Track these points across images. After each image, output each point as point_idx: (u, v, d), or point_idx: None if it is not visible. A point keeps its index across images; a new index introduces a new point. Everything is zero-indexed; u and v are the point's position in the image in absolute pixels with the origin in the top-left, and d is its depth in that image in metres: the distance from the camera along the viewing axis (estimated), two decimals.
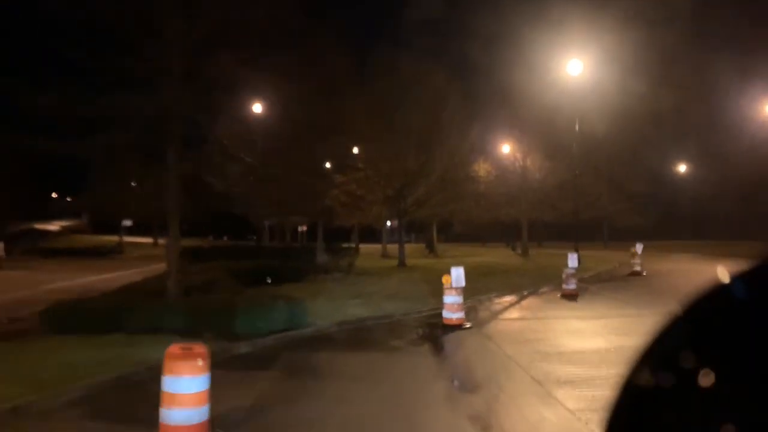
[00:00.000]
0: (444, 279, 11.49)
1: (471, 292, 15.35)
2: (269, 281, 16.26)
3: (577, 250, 23.60)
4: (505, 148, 37.00)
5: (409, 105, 23.62)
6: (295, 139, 21.23)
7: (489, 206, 36.11)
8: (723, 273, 0.61)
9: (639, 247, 21.21)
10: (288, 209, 22.17)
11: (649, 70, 37.48)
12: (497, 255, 35.06)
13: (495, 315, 12.95)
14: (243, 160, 23.10)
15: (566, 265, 16.44)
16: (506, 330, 11.09)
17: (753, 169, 35.03)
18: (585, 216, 43.71)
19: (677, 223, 51.72)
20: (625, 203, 43.71)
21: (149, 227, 54.26)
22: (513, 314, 13.22)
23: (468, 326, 11.20)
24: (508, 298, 15.64)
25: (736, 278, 0.60)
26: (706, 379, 0.55)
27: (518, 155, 35.97)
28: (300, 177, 20.86)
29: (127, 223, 49.43)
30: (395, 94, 23.69)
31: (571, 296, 15.50)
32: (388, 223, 39.45)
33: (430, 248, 39.31)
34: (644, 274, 20.90)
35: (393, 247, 36.59)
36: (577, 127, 27.80)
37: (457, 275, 11.49)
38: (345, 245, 24.11)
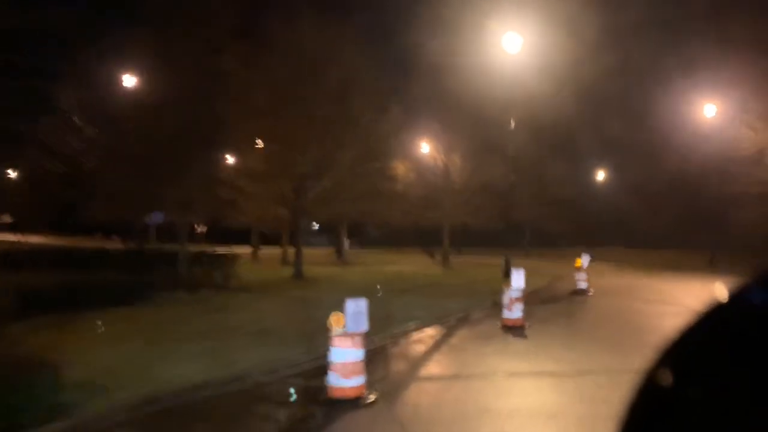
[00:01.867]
0: (333, 319, 6.84)
1: (382, 321, 10.95)
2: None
3: (508, 262, 19.79)
4: (428, 146, 33.13)
5: (312, 79, 18.90)
6: (165, 117, 16.03)
7: (408, 208, 31.92)
8: (721, 291, 0.62)
9: (585, 260, 17.54)
10: (148, 201, 16.78)
11: (590, 63, 34.75)
12: (415, 263, 30.93)
13: (413, 369, 8.40)
14: (94, 135, 17.57)
15: (507, 284, 12.23)
16: (430, 407, 6.59)
17: (683, 177, 32.96)
18: (509, 221, 40.64)
19: (603, 229, 49.96)
20: (549, 208, 40.97)
21: None
22: (439, 367, 8.72)
23: (371, 400, 6.61)
24: (432, 332, 11.24)
25: (753, 284, 0.60)
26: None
27: (440, 153, 32.18)
28: (169, 163, 15.65)
29: None
30: (294, 64, 18.90)
31: (516, 329, 11.34)
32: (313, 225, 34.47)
33: (340, 254, 34.62)
34: (591, 293, 17.25)
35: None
36: (512, 124, 24.19)
37: (354, 313, 6.89)
38: (222, 251, 18.82)
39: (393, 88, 24.20)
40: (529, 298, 16.70)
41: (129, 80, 18.13)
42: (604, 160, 48.97)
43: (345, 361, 6.65)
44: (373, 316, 12.28)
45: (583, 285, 17.40)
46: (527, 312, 11.90)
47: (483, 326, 11.99)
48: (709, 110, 29.55)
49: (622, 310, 13.94)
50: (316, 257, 32.87)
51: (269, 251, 35.68)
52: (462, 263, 30.67)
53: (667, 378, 0.61)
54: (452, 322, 12.38)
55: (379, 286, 15.54)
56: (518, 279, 12.01)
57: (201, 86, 16.20)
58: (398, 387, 7.34)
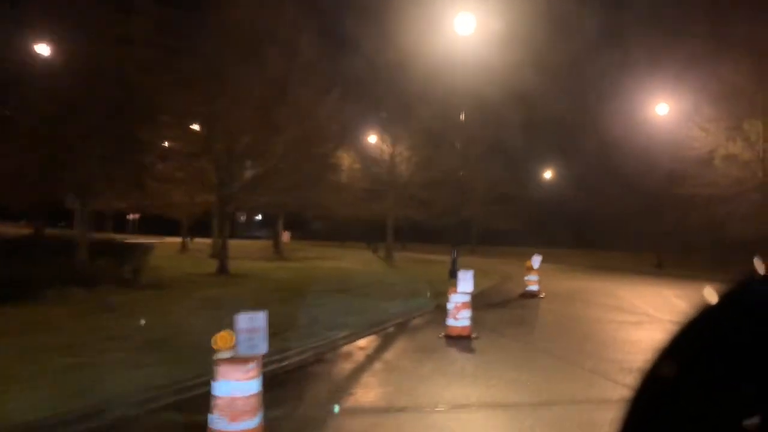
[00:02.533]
0: (219, 339, 5.01)
1: (306, 329, 9.28)
2: None
3: (455, 262, 18.33)
4: (375, 136, 31.44)
5: (246, 54, 16.87)
6: (60, 86, 13.69)
7: (351, 200, 30.15)
8: (710, 294, 0.65)
9: (536, 261, 16.21)
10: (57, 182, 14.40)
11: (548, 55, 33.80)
12: (356, 258, 29.20)
13: (333, 398, 6.59)
14: None
15: (453, 285, 10.62)
16: None
17: (634, 177, 32.42)
18: (458, 216, 39.46)
19: (553, 229, 49.43)
20: (498, 205, 39.99)
21: None
22: (366, 395, 6.90)
23: None
24: (364, 343, 9.52)
25: (755, 279, 0.63)
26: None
27: (387, 144, 30.57)
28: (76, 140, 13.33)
29: None
30: (226, 36, 16.81)
31: (461, 340, 9.77)
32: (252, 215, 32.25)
33: (277, 248, 32.51)
34: (543, 295, 15.94)
35: (238, 244, 29.56)
36: (462, 117, 22.76)
37: (248, 330, 5.10)
38: (137, 240, 16.56)
39: (335, 70, 22.32)
40: (477, 300, 15.24)
41: (26, 42, 15.61)
42: (555, 158, 48.50)
43: (232, 396, 4.84)
44: (297, 322, 10.49)
45: (534, 287, 16.07)
46: (474, 319, 10.37)
47: (424, 335, 10.36)
48: (661, 109, 28.99)
49: (579, 319, 12.60)
50: (253, 251, 30.71)
51: (205, 243, 33.24)
52: (407, 260, 29.17)
53: (670, 369, 0.62)
54: (389, 330, 10.71)
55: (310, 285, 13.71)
56: (466, 282, 10.44)
57: (107, 52, 13.91)
58: (309, 427, 5.58)
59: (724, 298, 0.63)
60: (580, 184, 44.59)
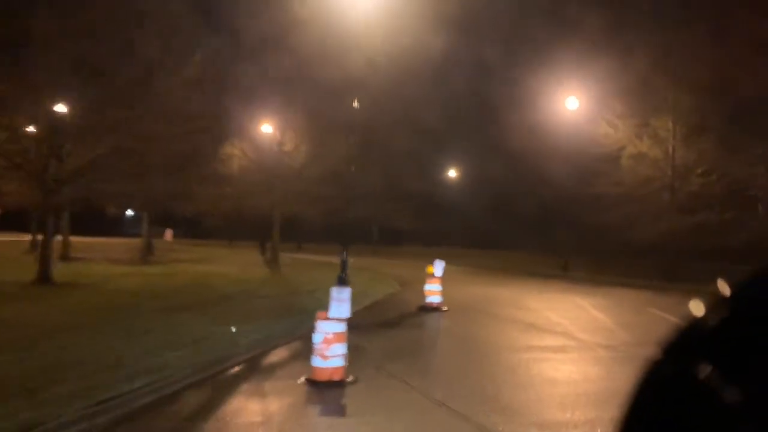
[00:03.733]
0: None
1: (102, 374, 6.00)
2: None
3: (344, 270, 15.26)
4: (263, 124, 27.79)
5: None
6: None
7: (233, 193, 26.41)
8: (697, 306, 0.65)
9: (438, 267, 13.46)
10: None
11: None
12: (239, 261, 25.50)
13: None
14: None
15: (324, 306, 7.52)
16: None
17: (542, 176, 30.89)
18: (354, 214, 36.57)
19: (457, 229, 47.86)
20: (400, 202, 37.49)
21: None
22: None
23: None
24: (174, 406, 6.17)
25: (759, 279, 0.63)
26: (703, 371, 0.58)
27: (275, 132, 27.07)
28: None
29: None
30: None
31: (330, 388, 6.71)
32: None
33: (148, 248, 27.99)
34: (446, 309, 13.20)
35: (106, 243, 24.94)
36: (355, 104, 19.86)
37: None
38: None
39: (202, 32, 18.65)
40: (366, 315, 12.28)
41: None
42: (462, 154, 46.75)
43: None
44: (86, 364, 6.99)
45: (435, 299, 13.28)
46: (356, 347, 7.37)
47: (279, 382, 7.15)
48: (571, 103, 27.46)
49: (491, 345, 9.86)
50: (120, 251, 26.31)
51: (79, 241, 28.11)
52: (298, 262, 25.83)
53: (671, 369, 0.63)
54: (231, 372, 7.44)
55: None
56: (340, 306, 7.40)
57: None
58: None
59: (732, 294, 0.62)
60: (488, 182, 43.08)
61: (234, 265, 23.12)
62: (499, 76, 40.20)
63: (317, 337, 7.09)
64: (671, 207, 24.80)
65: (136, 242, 36.16)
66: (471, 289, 18.25)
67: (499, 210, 46.54)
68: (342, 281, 15.03)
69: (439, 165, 48.03)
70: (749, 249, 24.51)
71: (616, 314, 13.54)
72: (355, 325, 9.01)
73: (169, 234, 48.37)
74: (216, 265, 22.62)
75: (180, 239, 50.72)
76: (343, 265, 15.93)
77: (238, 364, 7.79)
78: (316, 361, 7.01)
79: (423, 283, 13.74)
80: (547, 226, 34.60)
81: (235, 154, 25.78)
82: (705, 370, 0.59)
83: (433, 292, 13.31)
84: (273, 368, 7.92)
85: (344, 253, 15.87)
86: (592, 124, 26.32)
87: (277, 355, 8.55)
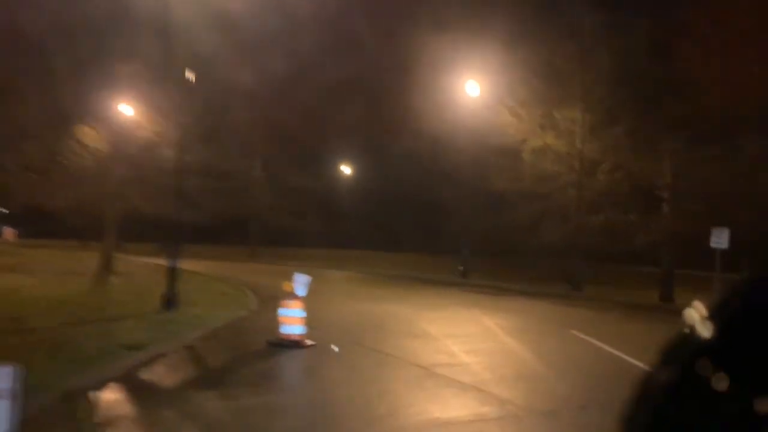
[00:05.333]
0: None
1: None
2: None
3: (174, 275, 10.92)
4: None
5: None
6: None
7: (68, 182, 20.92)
8: (691, 315, 0.67)
9: (300, 284, 9.49)
10: None
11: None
12: (63, 268, 20.17)
13: None
14: None
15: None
16: None
17: (439, 172, 27.86)
18: (231, 212, 31.91)
19: (354, 228, 44.27)
20: (282, 199, 33.19)
21: None
22: None
23: None
24: None
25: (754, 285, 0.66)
26: (722, 383, 0.58)
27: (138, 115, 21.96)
28: None
29: None
30: None
31: None
32: None
33: None
34: (309, 344, 9.23)
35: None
36: (191, 77, 15.60)
37: None
38: None
39: None
40: (184, 358, 8.15)
41: None
42: (358, 148, 43.06)
43: None
44: None
45: (295, 329, 9.27)
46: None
47: None
48: (471, 89, 24.51)
49: (372, 426, 5.98)
50: None
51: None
52: (148, 270, 20.82)
53: (669, 375, 0.64)
54: None
55: None
56: None
57: None
58: None
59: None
60: (385, 179, 39.81)
61: (50, 274, 17.85)
62: (391, 61, 36.66)
63: None
64: (579, 206, 22.46)
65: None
66: (357, 307, 14.45)
67: (397, 209, 43.54)
68: (171, 303, 10.75)
69: (330, 160, 44.18)
70: (654, 252, 22.82)
71: (535, 342, 10.26)
72: (146, 386, 5.00)
73: (9, 233, 40.92)
74: (24, 274, 17.29)
75: (33, 239, 42.79)
76: (171, 277, 11.54)
77: None
78: None
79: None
80: (447, 226, 31.76)
81: (80, 138, 20.23)
82: (721, 380, 0.57)
83: (291, 320, 9.31)
84: None
85: (173, 261, 11.49)
86: (495, 112, 23.49)
87: None
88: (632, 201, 22.44)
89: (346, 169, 46.13)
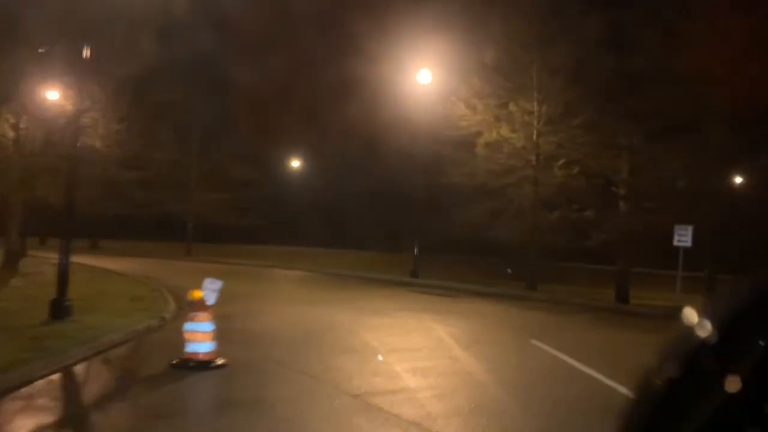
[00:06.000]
0: None
1: None
2: None
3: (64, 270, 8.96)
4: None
5: None
6: None
7: None
8: (690, 314, 0.66)
9: (210, 290, 7.71)
10: None
11: None
12: None
13: None
14: None
15: None
16: None
17: (398, 166, 26.35)
18: (165, 207, 29.71)
19: (298, 224, 42.47)
20: (221, 194, 31.06)
21: None
22: None
23: None
24: None
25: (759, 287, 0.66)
26: (733, 384, 0.59)
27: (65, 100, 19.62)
28: None
29: None
30: None
31: None
32: None
33: None
34: (220, 362, 7.51)
35: None
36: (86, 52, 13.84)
37: None
38: None
39: None
40: (61, 387, 6.34)
41: None
42: (306, 140, 41.13)
43: None
44: None
45: (203, 347, 7.53)
46: None
47: None
48: (423, 77, 23.04)
49: None
50: None
51: None
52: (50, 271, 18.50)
53: (669, 375, 0.64)
54: None
55: None
56: None
57: None
58: None
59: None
60: (335, 173, 38.14)
61: None
62: (334, 53, 34.84)
63: None
64: (535, 202, 21.33)
65: None
66: (293, 312, 12.77)
67: (354, 205, 41.93)
68: (57, 310, 8.83)
69: (278, 154, 42.17)
70: (609, 251, 21.95)
71: (494, 357, 8.85)
72: None
73: None
74: None
75: None
76: (61, 280, 9.59)
77: None
78: None
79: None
80: (397, 223, 30.35)
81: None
82: (733, 382, 0.57)
83: (198, 336, 7.56)
84: None
85: (63, 259, 9.55)
86: (449, 103, 22.09)
87: None
88: (590, 197, 21.47)
89: (295, 164, 44.23)
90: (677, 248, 16.14)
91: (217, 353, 7.61)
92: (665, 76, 17.77)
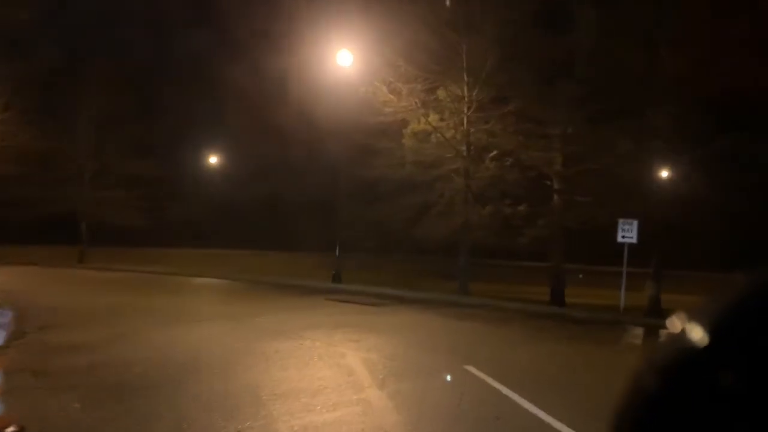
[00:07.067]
0: None
1: None
2: None
3: None
4: None
5: None
6: None
7: None
8: (675, 323, 0.64)
9: None
10: None
11: None
12: None
13: None
14: None
15: None
16: None
17: (314, 161, 23.94)
18: (55, 207, 26.19)
19: (210, 225, 39.45)
20: (114, 191, 27.68)
21: None
22: None
23: None
24: None
25: (752, 290, 0.63)
26: (738, 386, 0.57)
27: None
28: None
29: None
30: None
31: None
32: None
33: None
34: (10, 431, 5.01)
35: None
36: None
37: None
38: None
39: None
40: None
41: None
42: (216, 134, 38.06)
43: None
44: None
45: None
46: None
47: None
48: (343, 59, 20.74)
49: None
50: None
51: None
52: None
53: (657, 381, 0.62)
54: None
55: None
56: None
57: None
58: None
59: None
60: (254, 168, 35.37)
61: None
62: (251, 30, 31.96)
63: None
64: (466, 197, 19.51)
65: None
66: (168, 336, 10.15)
67: (271, 202, 39.25)
68: None
69: (189, 148, 38.87)
70: (541, 248, 20.54)
71: (417, 400, 6.69)
72: None
73: None
74: None
75: None
76: None
77: None
78: None
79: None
80: (322, 220, 28.00)
81: None
82: (727, 377, 0.57)
83: None
84: None
85: None
86: (372, 88, 19.92)
87: None
88: (524, 191, 19.87)
89: (213, 160, 40.95)
90: (621, 245, 14.69)
91: (9, 418, 5.06)
92: (603, 56, 16.31)
